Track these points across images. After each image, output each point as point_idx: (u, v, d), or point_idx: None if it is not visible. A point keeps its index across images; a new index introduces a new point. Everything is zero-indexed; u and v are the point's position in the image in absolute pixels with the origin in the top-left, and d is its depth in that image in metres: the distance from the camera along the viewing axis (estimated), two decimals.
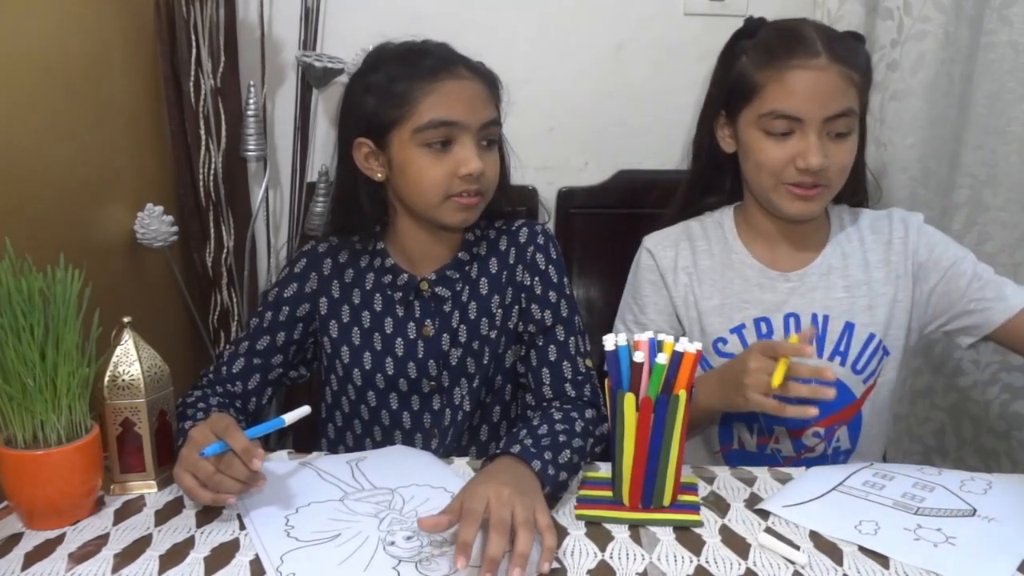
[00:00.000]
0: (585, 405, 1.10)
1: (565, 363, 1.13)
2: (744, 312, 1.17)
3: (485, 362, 1.15)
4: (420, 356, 1.14)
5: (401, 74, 1.07)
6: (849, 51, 1.09)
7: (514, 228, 1.18)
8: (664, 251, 1.22)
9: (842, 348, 1.15)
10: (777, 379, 0.94)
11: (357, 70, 1.14)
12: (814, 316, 1.15)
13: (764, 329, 1.16)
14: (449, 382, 1.15)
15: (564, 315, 1.15)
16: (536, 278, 1.16)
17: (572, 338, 1.14)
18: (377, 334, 1.15)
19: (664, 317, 1.20)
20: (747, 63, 1.12)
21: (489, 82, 1.12)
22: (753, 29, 1.15)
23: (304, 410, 0.96)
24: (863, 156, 1.21)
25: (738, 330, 1.17)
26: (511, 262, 1.16)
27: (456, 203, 1.08)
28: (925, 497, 0.95)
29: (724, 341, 1.17)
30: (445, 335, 1.14)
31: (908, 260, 1.17)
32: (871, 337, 1.15)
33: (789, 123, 1.08)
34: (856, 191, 1.22)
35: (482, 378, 1.16)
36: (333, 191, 1.24)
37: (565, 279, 1.17)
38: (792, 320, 1.16)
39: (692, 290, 1.19)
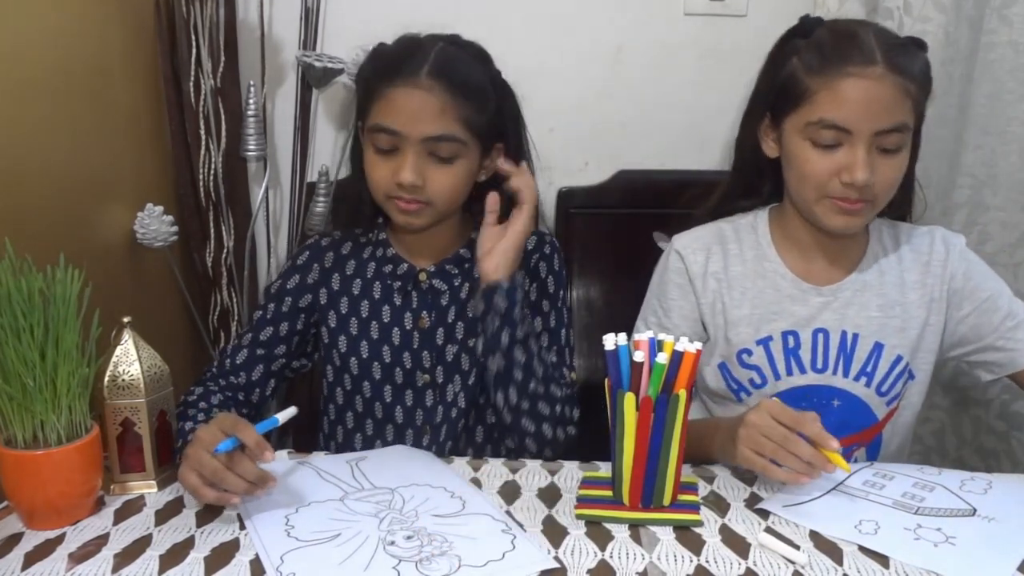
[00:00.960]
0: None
1: None
2: (773, 324, 1.13)
3: (480, 354, 1.16)
4: (415, 347, 1.15)
5: (373, 70, 1.09)
6: (908, 60, 1.02)
7: None
8: (694, 255, 1.17)
9: (869, 369, 1.12)
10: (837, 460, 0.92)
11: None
12: (843, 333, 1.12)
13: (792, 343, 1.13)
14: (443, 378, 1.16)
15: (552, 325, 1.18)
16: (534, 284, 1.18)
17: (555, 347, 1.18)
18: (374, 322, 1.16)
19: (689, 323, 1.17)
20: (798, 65, 1.06)
21: (455, 89, 1.06)
22: (808, 29, 1.08)
23: (292, 410, 0.97)
24: (913, 169, 1.15)
25: (765, 342, 1.13)
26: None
27: (395, 205, 1.09)
28: (925, 497, 0.95)
29: (749, 352, 1.14)
30: (440, 329, 1.15)
31: (944, 284, 1.13)
32: (899, 359, 1.12)
33: (837, 134, 1.02)
34: (902, 204, 1.17)
35: (478, 377, 1.16)
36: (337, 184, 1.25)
37: (562, 292, 1.19)
38: (821, 336, 1.12)
39: (721, 297, 1.15)
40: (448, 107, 1.05)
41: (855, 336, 1.12)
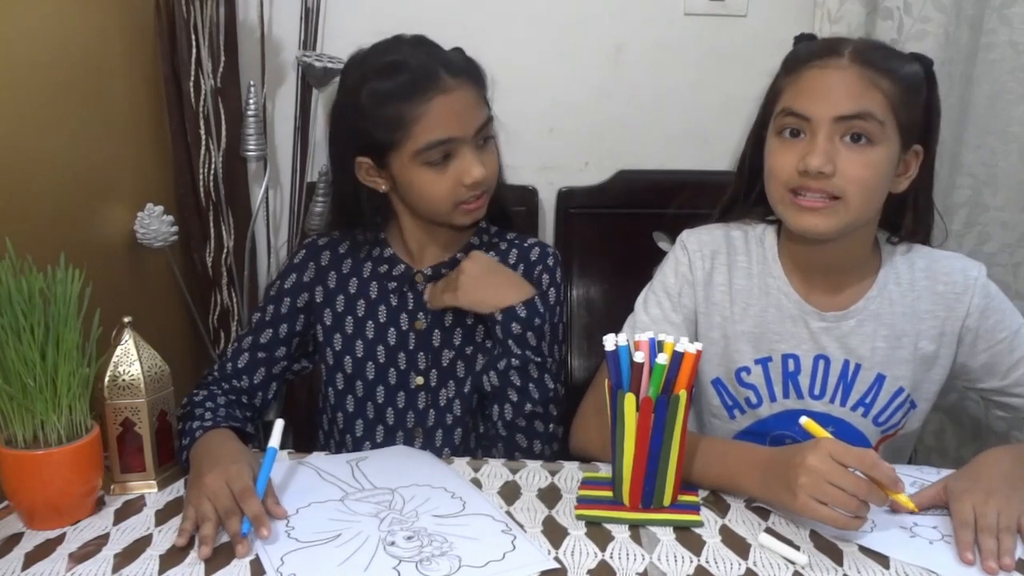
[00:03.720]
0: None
1: None
2: (773, 344, 1.09)
3: (478, 370, 1.16)
4: (411, 348, 1.15)
5: (388, 94, 1.06)
6: (882, 58, 0.99)
7: (526, 245, 1.20)
8: (702, 260, 1.12)
9: (867, 400, 1.09)
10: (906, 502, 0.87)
11: (341, 84, 1.15)
12: (845, 363, 1.08)
13: (792, 367, 1.09)
14: (437, 382, 1.16)
15: (554, 325, 1.18)
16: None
17: (549, 359, 1.17)
18: (370, 322, 1.16)
19: (689, 324, 1.12)
20: (780, 73, 1.07)
21: (474, 80, 1.10)
22: (796, 43, 1.10)
23: (278, 424, 0.98)
24: (930, 190, 1.09)
25: (764, 362, 1.10)
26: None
27: (463, 209, 1.11)
28: None
29: (748, 371, 1.11)
30: (437, 331, 1.16)
31: (959, 321, 1.07)
32: (900, 391, 1.08)
33: (798, 121, 1.00)
34: (917, 229, 1.10)
35: (475, 385, 1.16)
36: (332, 196, 1.25)
37: (561, 306, 1.20)
38: (822, 362, 1.09)
39: (722, 310, 1.11)
40: (479, 95, 1.10)
41: (857, 366, 1.08)
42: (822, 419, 1.09)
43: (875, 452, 0.87)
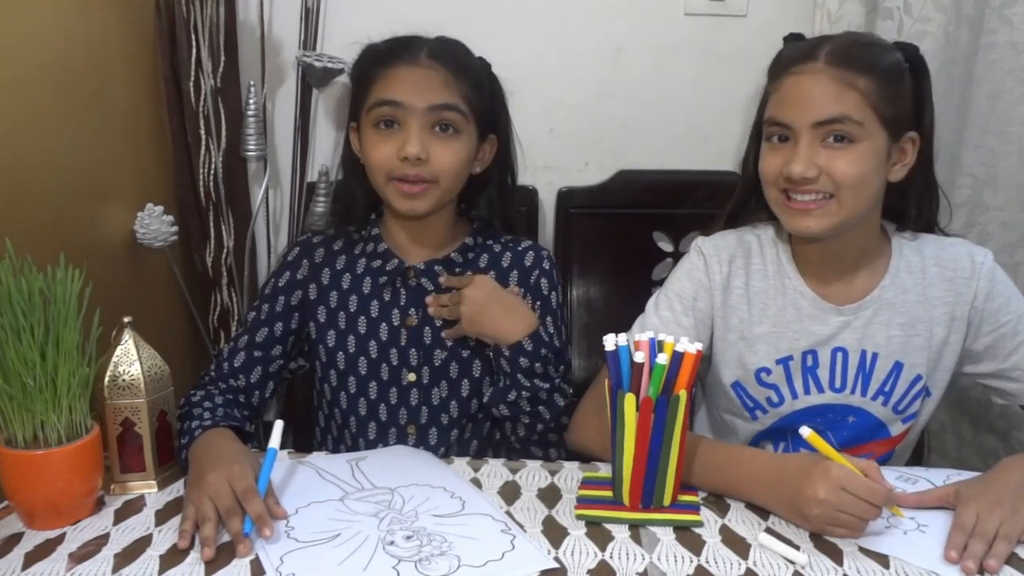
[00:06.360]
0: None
1: None
2: (793, 343, 1.11)
3: (476, 375, 1.17)
4: (402, 344, 1.15)
5: (367, 60, 1.13)
6: (858, 55, 1.01)
7: (520, 248, 1.20)
8: (720, 265, 1.13)
9: (887, 388, 1.10)
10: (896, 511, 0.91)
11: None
12: (863, 353, 1.10)
13: (811, 362, 1.11)
14: (429, 380, 1.16)
15: (557, 345, 1.17)
16: (538, 303, 1.18)
17: (561, 366, 1.17)
18: (362, 317, 1.16)
19: (702, 328, 1.13)
20: (767, 78, 1.09)
21: (455, 68, 1.10)
22: (785, 43, 1.12)
23: (278, 424, 0.97)
24: (931, 174, 1.11)
25: (784, 361, 1.11)
26: (514, 284, 1.18)
27: (397, 188, 1.10)
28: (907, 489, 0.96)
29: (768, 371, 1.11)
30: (427, 328, 1.16)
31: (967, 304, 1.10)
32: (918, 378, 1.10)
33: (781, 129, 1.04)
34: (921, 214, 1.12)
35: (473, 389, 1.17)
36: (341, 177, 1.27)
37: (562, 308, 1.21)
38: (840, 355, 1.10)
39: (739, 313, 1.12)
40: (450, 82, 1.10)
41: (874, 355, 1.10)
42: (843, 411, 1.11)
43: (884, 481, 0.88)
